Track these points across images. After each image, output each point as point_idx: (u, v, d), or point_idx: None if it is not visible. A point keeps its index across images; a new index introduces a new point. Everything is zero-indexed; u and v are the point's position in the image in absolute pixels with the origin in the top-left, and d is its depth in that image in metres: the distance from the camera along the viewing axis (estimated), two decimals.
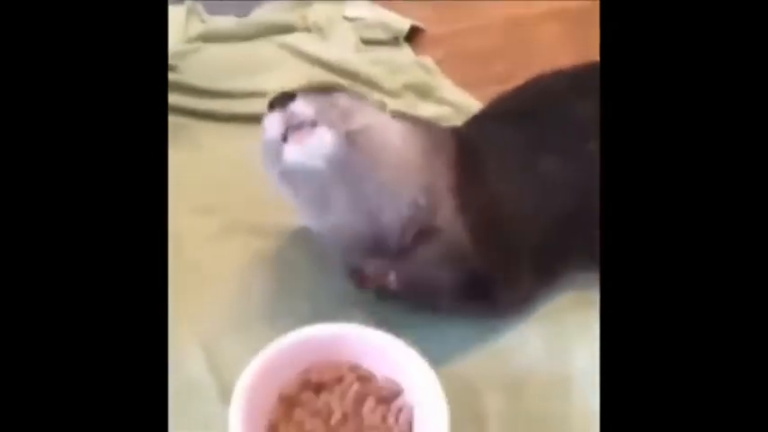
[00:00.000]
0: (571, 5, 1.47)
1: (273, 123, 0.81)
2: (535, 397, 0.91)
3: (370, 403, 0.83)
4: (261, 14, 1.37)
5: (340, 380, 0.84)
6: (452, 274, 0.90)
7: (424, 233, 0.88)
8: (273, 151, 0.82)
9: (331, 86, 0.91)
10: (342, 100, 0.84)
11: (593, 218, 0.90)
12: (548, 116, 0.98)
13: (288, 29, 1.35)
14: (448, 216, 0.88)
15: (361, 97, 0.89)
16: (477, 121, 1.07)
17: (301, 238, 1.03)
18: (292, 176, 0.83)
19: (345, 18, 1.38)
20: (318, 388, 0.84)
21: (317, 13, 1.38)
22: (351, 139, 0.81)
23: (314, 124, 0.80)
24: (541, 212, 0.94)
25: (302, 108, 0.81)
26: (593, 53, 1.08)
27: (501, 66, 1.33)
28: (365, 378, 0.85)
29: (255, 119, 1.12)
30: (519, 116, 1.01)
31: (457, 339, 0.95)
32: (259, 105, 1.16)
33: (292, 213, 1.04)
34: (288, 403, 0.83)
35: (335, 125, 0.80)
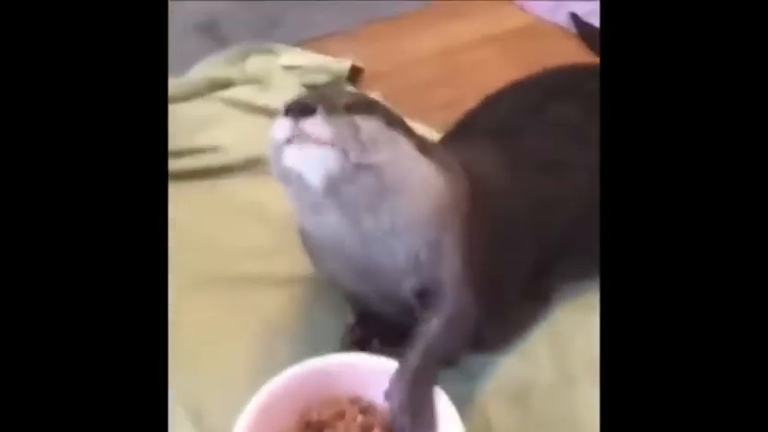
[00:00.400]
0: (503, 28, 1.51)
1: (282, 128, 0.72)
2: (541, 404, 0.88)
3: None
4: (198, 72, 1.36)
5: (342, 415, 0.79)
6: (459, 339, 0.85)
7: (425, 292, 0.82)
8: (276, 150, 0.74)
9: (373, 104, 0.79)
10: (371, 126, 0.75)
11: (581, 232, 0.91)
12: (529, 129, 0.97)
13: (227, 83, 1.33)
14: (450, 277, 0.82)
15: (397, 126, 0.79)
16: (458, 138, 1.02)
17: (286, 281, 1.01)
18: (289, 181, 0.76)
19: (283, 67, 1.37)
20: (320, 427, 0.78)
21: (254, 66, 1.37)
22: (359, 172, 0.73)
23: (322, 143, 0.71)
24: (540, 232, 0.91)
25: (314, 129, 0.71)
26: (533, 68, 1.13)
27: (445, 92, 1.34)
28: (368, 409, 0.80)
29: (220, 171, 1.18)
30: (499, 132, 0.98)
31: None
32: (217, 159, 1.19)
33: (274, 261, 1.04)
34: None
35: (348, 152, 0.72)
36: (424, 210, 0.79)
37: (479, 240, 0.84)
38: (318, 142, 0.71)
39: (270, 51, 1.41)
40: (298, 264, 0.99)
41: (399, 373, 0.78)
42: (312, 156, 0.72)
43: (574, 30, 1.47)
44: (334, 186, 0.73)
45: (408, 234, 0.79)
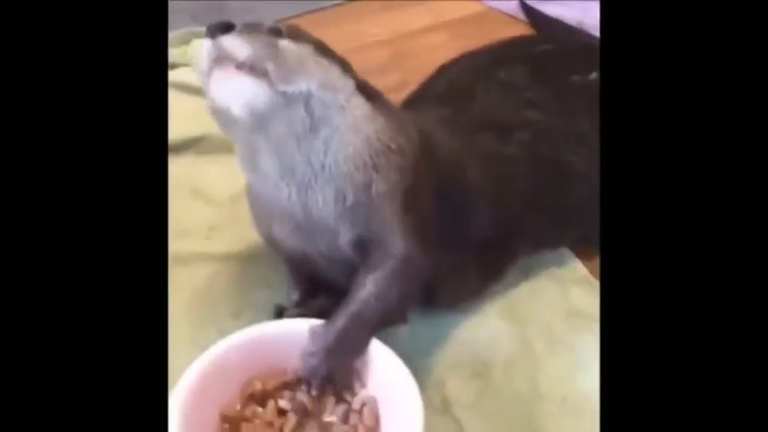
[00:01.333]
0: (453, 16, 1.50)
1: (202, 53, 0.68)
2: (500, 377, 0.84)
3: (328, 403, 0.72)
4: None
5: (289, 386, 0.74)
6: (401, 299, 0.78)
7: (365, 246, 0.77)
8: (204, 80, 0.70)
9: (305, 33, 0.74)
10: (297, 50, 0.70)
11: (544, 197, 0.90)
12: (480, 92, 0.95)
13: (170, 66, 1.28)
14: (388, 228, 0.76)
15: (330, 56, 0.74)
16: (413, 105, 1.00)
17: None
18: (219, 116, 0.72)
19: None
20: (264, 398, 0.73)
21: (197, 49, 1.31)
22: (285, 101, 0.69)
23: (242, 67, 0.67)
24: (496, 196, 0.87)
25: (232, 46, 0.67)
26: None
27: (394, 76, 1.31)
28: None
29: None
30: (452, 98, 0.96)
31: (412, 337, 0.86)
32: None
33: (212, 239, 1.00)
34: (232, 422, 0.71)
35: (271, 79, 0.67)
36: (354, 149, 0.74)
37: (428, 196, 0.80)
38: (238, 65, 0.66)
39: None
40: (236, 241, 0.98)
41: (317, 337, 0.73)
42: (233, 83, 0.67)
43: (523, 16, 1.46)
44: (261, 120, 0.69)
45: (337, 176, 0.74)
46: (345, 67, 0.75)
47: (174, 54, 1.30)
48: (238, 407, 0.72)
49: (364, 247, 0.77)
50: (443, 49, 1.37)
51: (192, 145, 1.14)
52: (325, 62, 0.72)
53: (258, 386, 0.73)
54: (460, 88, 0.97)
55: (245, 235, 0.96)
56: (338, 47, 1.38)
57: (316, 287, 0.86)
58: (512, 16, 1.48)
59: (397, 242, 0.76)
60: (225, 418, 0.71)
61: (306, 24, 1.44)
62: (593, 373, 0.83)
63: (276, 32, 0.70)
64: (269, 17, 1.46)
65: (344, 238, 0.77)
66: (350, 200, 0.75)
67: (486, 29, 1.41)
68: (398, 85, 1.22)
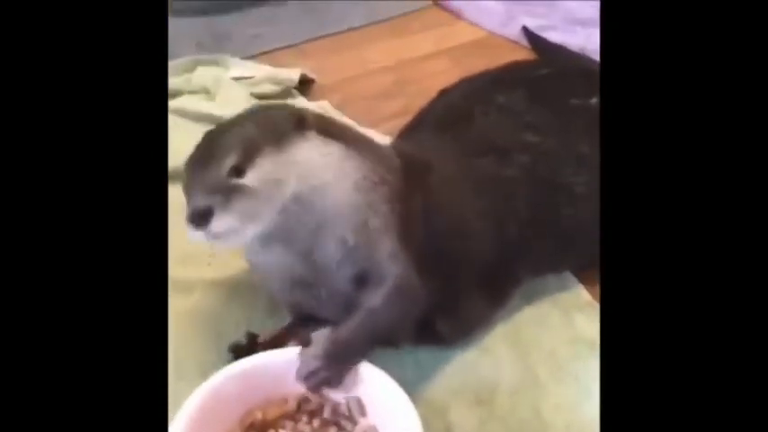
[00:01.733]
0: (454, 42, 1.51)
1: (198, 236, 0.72)
2: (504, 404, 0.83)
3: None
4: None
5: (290, 416, 0.73)
6: (400, 316, 0.80)
7: (364, 278, 0.79)
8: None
9: (250, 139, 0.75)
10: (263, 172, 0.73)
11: (544, 221, 0.89)
12: (479, 116, 0.94)
13: (173, 93, 1.29)
14: (386, 256, 0.78)
15: (284, 138, 0.76)
16: (407, 135, 1.01)
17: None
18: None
19: (232, 79, 1.33)
20: (264, 428, 0.72)
21: (201, 76, 1.33)
22: (283, 210, 0.73)
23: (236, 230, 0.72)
24: (496, 220, 0.87)
25: (222, 226, 0.71)
26: None
27: (396, 103, 1.32)
28: (319, 407, 0.74)
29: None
30: (450, 123, 0.96)
31: (415, 364, 0.86)
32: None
33: (204, 266, 0.99)
34: None
35: (260, 219, 0.72)
36: (343, 195, 0.77)
37: (418, 222, 0.81)
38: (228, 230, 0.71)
39: (218, 63, 1.37)
40: (237, 268, 0.97)
41: (320, 342, 0.75)
42: (241, 236, 0.72)
43: (525, 42, 1.47)
44: (268, 238, 0.75)
45: (334, 225, 0.77)
46: (301, 124, 0.77)
47: (177, 82, 1.31)
48: None
49: (363, 281, 0.79)
50: (446, 75, 1.37)
51: None
52: (287, 156, 0.75)
53: (259, 416, 0.72)
54: (459, 112, 0.97)
55: (245, 262, 0.96)
56: (343, 73, 1.43)
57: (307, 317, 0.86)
58: (514, 42, 1.49)
59: (391, 268, 0.78)
60: None
61: (311, 51, 1.48)
62: (597, 399, 0.81)
63: (236, 170, 0.73)
64: (273, 44, 1.48)
65: (344, 276, 0.78)
66: (351, 242, 0.77)
67: (488, 55, 1.42)
68: (402, 110, 1.23)
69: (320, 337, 0.75)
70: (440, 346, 0.87)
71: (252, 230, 0.72)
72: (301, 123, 0.77)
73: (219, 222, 0.70)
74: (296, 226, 0.75)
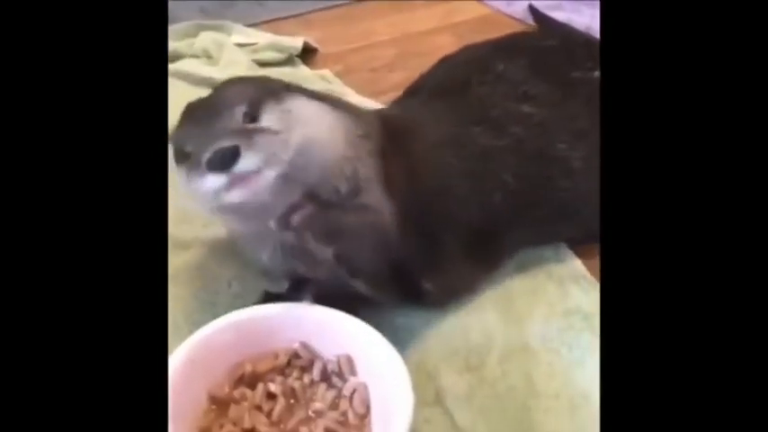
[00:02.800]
0: (460, 18, 1.50)
1: (216, 182, 0.69)
2: (494, 370, 0.82)
3: (318, 389, 0.71)
4: None
5: (280, 370, 0.73)
6: (376, 252, 0.80)
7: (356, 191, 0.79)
8: (211, 197, 0.72)
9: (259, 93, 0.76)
10: (274, 119, 0.73)
11: (535, 192, 0.89)
12: (477, 84, 0.94)
13: (175, 57, 1.28)
14: (373, 202, 0.79)
15: (289, 90, 0.79)
16: (403, 100, 1.01)
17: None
18: (222, 210, 0.75)
19: (235, 45, 1.32)
20: (254, 381, 0.72)
21: (204, 41, 1.32)
22: (291, 164, 0.72)
23: (258, 172, 0.70)
24: (477, 190, 0.87)
25: (248, 165, 0.69)
26: None
27: (399, 75, 1.31)
28: (309, 363, 0.73)
29: None
30: (448, 89, 0.95)
31: (407, 329, 0.85)
32: None
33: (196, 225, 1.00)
34: (220, 404, 0.70)
35: (279, 160, 0.71)
36: (338, 147, 0.78)
37: (406, 183, 0.82)
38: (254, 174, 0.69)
39: (222, 28, 1.37)
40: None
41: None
42: (256, 185, 0.70)
43: (531, 21, 1.46)
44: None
45: (331, 175, 0.77)
46: (288, 87, 0.79)
47: (179, 45, 1.31)
48: (227, 389, 0.71)
49: None
50: (449, 51, 1.37)
51: None
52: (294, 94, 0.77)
53: (248, 368, 0.72)
54: (456, 80, 0.96)
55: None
56: (346, 44, 1.42)
57: (302, 282, 0.86)
58: (520, 20, 1.49)
59: (376, 208, 0.79)
60: (213, 400, 0.70)
61: (314, 22, 1.48)
62: (589, 370, 0.81)
63: (250, 116, 0.72)
64: (277, 13, 1.47)
65: None
66: (343, 190, 0.77)
67: (492, 32, 1.40)
68: (403, 82, 1.20)
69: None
70: (427, 306, 0.87)
71: (270, 174, 0.70)
72: (288, 86, 0.79)
73: (246, 161, 0.69)
74: (300, 176, 0.73)
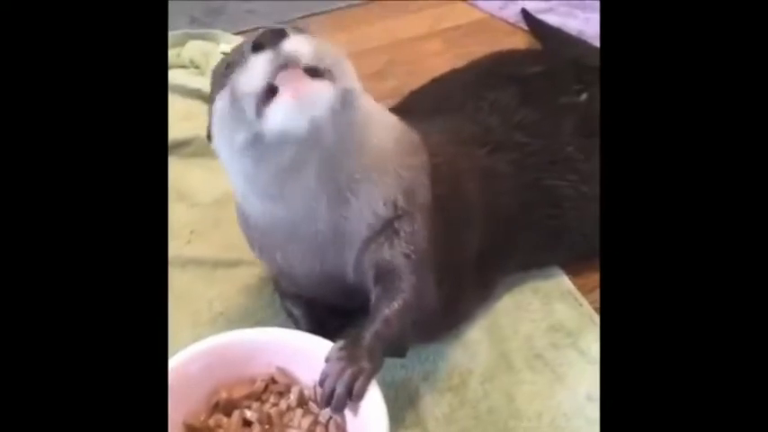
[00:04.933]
0: (452, 24, 1.49)
1: (260, 67, 0.63)
2: (477, 392, 0.82)
3: (294, 415, 0.71)
4: None
5: (256, 396, 0.72)
6: (410, 328, 0.75)
7: (383, 270, 0.75)
8: (252, 108, 0.64)
9: None
10: (334, 51, 0.67)
11: (528, 219, 0.88)
12: (471, 108, 0.92)
13: (171, 65, 1.27)
14: (421, 241, 0.75)
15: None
16: (404, 115, 0.97)
17: None
18: (261, 145, 0.66)
19: (222, 54, 1.31)
20: (230, 407, 0.71)
21: (190, 51, 1.31)
22: (345, 100, 0.66)
23: (313, 73, 0.63)
24: (488, 214, 0.85)
25: (298, 47, 0.63)
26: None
27: (389, 83, 1.30)
28: (287, 388, 0.73)
29: None
30: (444, 110, 0.94)
31: None
32: None
33: (193, 243, 1.00)
34: None
35: (334, 76, 0.65)
36: (396, 150, 0.74)
37: (443, 219, 0.78)
38: (307, 69, 0.63)
39: (209, 38, 1.36)
40: (217, 246, 0.98)
41: (347, 349, 0.69)
42: (309, 94, 0.63)
43: (523, 25, 1.44)
44: (322, 128, 0.65)
45: (387, 179, 0.73)
46: None
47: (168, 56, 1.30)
48: (203, 417, 0.71)
49: (383, 272, 0.75)
50: (440, 58, 1.37)
51: (179, 147, 1.13)
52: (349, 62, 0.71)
53: (224, 395, 0.71)
54: (453, 102, 0.95)
55: (226, 240, 0.95)
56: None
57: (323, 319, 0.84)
58: (512, 25, 1.47)
59: (417, 274, 0.75)
60: (188, 428, 0.70)
61: (304, 28, 1.45)
62: (572, 389, 0.81)
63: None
64: (267, 20, 1.46)
65: (368, 261, 0.75)
66: (400, 205, 0.74)
67: (483, 38, 1.40)
68: (393, 91, 1.20)
69: (340, 344, 0.70)
70: (431, 341, 0.86)
71: (327, 95, 0.64)
72: None
73: (292, 41, 0.63)
74: (341, 144, 0.68)
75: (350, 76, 0.68)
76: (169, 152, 1.11)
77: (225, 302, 0.90)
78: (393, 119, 0.77)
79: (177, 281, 0.93)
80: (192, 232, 1.01)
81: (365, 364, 0.67)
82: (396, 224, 0.74)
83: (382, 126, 0.74)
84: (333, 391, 0.66)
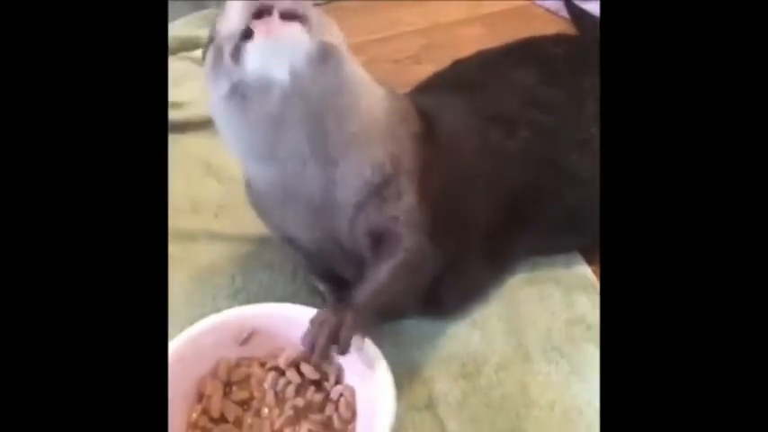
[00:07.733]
0: (491, 9, 1.47)
1: (237, 12, 0.64)
2: (490, 379, 0.81)
3: (307, 391, 0.72)
4: (171, 31, 1.31)
5: (269, 369, 0.73)
6: (406, 289, 0.77)
7: (377, 236, 0.75)
8: (230, 54, 0.66)
9: None
10: (315, 8, 0.68)
11: (540, 200, 0.87)
12: (491, 85, 0.92)
13: (199, 44, 1.28)
14: (403, 216, 0.75)
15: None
16: (423, 91, 0.98)
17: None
18: (244, 95, 0.67)
19: None
20: (243, 378, 0.73)
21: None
22: (325, 53, 0.66)
23: (287, 17, 0.64)
24: (493, 188, 0.85)
25: None
26: None
27: (425, 68, 1.27)
28: (295, 364, 0.73)
29: (177, 128, 1.12)
30: (463, 86, 0.94)
31: (404, 332, 0.85)
32: (178, 115, 1.14)
33: (219, 219, 1.01)
34: (208, 400, 0.71)
35: (312, 29, 0.65)
36: (381, 117, 0.74)
37: (438, 176, 0.78)
38: (282, 14, 0.63)
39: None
40: (242, 223, 0.96)
41: (332, 305, 0.71)
42: (281, 35, 0.64)
43: (563, 14, 1.42)
44: (303, 79, 0.66)
45: (373, 143, 0.73)
46: None
47: (202, 33, 1.30)
48: (216, 386, 0.72)
49: (378, 239, 0.76)
50: (477, 44, 1.33)
51: (210, 123, 1.13)
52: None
53: (238, 367, 0.73)
54: (470, 79, 0.95)
55: (253, 216, 0.96)
56: (371, 34, 1.40)
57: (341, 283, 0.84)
58: (552, 12, 1.45)
59: (410, 235, 0.75)
60: (201, 396, 0.71)
61: (341, 10, 1.45)
62: (588, 383, 0.80)
63: None
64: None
65: (360, 227, 0.76)
66: (386, 171, 0.74)
67: (523, 25, 1.37)
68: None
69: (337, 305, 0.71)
70: (441, 317, 0.86)
71: (301, 41, 0.64)
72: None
73: None
74: (325, 101, 0.68)
75: (331, 32, 0.69)
76: (200, 128, 1.13)
77: (246, 278, 0.91)
78: (383, 90, 0.76)
79: (204, 254, 0.95)
80: (219, 206, 1.02)
81: (349, 318, 0.68)
82: (384, 191, 0.74)
83: (370, 93, 0.73)
84: (314, 342, 0.68)
